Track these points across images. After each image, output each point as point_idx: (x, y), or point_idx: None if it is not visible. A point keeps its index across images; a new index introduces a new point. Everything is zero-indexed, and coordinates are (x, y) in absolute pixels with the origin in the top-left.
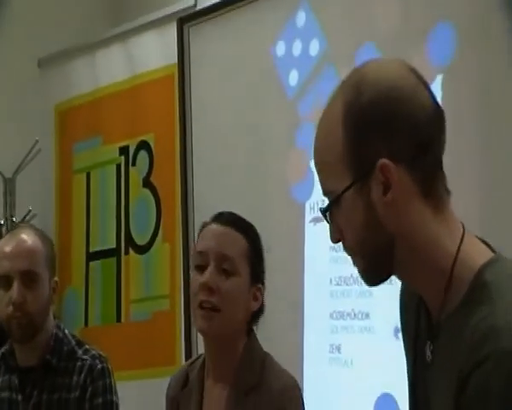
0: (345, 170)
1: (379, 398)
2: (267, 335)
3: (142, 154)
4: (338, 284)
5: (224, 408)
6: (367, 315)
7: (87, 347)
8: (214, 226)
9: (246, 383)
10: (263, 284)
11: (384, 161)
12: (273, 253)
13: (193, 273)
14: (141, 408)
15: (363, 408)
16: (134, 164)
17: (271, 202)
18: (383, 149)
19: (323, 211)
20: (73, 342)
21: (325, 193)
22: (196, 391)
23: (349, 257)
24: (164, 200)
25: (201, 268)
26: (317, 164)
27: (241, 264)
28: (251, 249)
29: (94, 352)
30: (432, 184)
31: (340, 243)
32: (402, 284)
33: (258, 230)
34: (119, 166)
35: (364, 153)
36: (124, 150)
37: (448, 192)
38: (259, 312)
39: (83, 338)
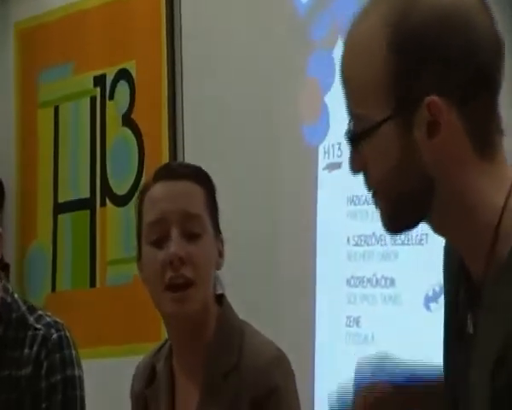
0: (384, 97)
1: None
2: (271, 305)
3: (122, 85)
4: (357, 244)
5: (199, 400)
6: (392, 282)
7: (40, 313)
8: (168, 184)
9: (224, 365)
10: (220, 232)
11: (434, 98)
12: (280, 206)
13: (147, 251)
14: (119, 391)
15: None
16: (112, 97)
17: (278, 145)
18: (433, 83)
19: (350, 137)
20: (24, 308)
21: (352, 116)
22: (165, 385)
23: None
24: (148, 141)
25: (160, 242)
26: (346, 80)
27: (206, 219)
28: (209, 198)
29: (48, 319)
30: (485, 129)
31: (360, 196)
32: (446, 241)
33: (264, 177)
34: (93, 100)
35: (411, 84)
36: (99, 80)
37: (501, 133)
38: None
39: (49, 306)
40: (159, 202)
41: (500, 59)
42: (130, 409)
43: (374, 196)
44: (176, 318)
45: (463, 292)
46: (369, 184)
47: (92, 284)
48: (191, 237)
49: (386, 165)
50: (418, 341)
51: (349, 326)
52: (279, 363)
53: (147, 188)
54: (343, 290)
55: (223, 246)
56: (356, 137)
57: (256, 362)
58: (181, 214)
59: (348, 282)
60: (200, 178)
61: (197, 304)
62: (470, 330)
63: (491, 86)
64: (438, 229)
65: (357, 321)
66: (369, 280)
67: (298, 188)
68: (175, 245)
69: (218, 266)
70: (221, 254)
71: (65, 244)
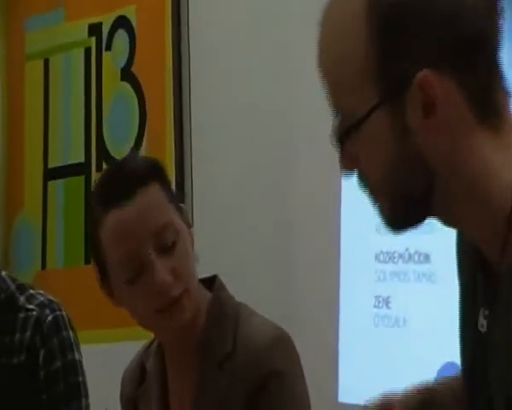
0: (368, 84)
1: (442, 369)
2: (289, 282)
3: (120, 34)
4: None
5: (194, 395)
6: (426, 257)
7: (32, 292)
8: (122, 211)
9: (218, 353)
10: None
11: (425, 73)
12: (299, 172)
13: (124, 291)
14: (117, 379)
15: (420, 381)
16: (109, 48)
17: (295, 102)
18: (422, 56)
19: (337, 135)
20: (13, 287)
21: (336, 110)
22: (156, 384)
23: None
24: (150, 97)
25: (136, 277)
26: (324, 73)
27: (174, 215)
28: (165, 187)
29: (42, 298)
30: (486, 95)
31: None
32: (457, 230)
33: (278, 140)
34: (88, 51)
35: (398, 62)
36: (95, 29)
37: (507, 94)
38: None
39: (39, 285)
40: (121, 239)
41: (494, 14)
42: None
43: (371, 196)
44: (176, 329)
45: (480, 283)
46: (364, 183)
47: (87, 260)
48: (167, 249)
49: (380, 160)
50: (455, 324)
51: (378, 307)
52: (277, 344)
53: (98, 223)
54: (371, 267)
55: (187, 215)
56: (343, 135)
57: (252, 346)
58: (152, 235)
59: (377, 257)
60: (150, 172)
61: (191, 311)
62: (483, 327)
63: (487, 48)
64: (447, 221)
65: (386, 302)
66: (400, 255)
67: (319, 148)
68: (161, 277)
69: (193, 243)
70: (189, 226)
71: (56, 215)
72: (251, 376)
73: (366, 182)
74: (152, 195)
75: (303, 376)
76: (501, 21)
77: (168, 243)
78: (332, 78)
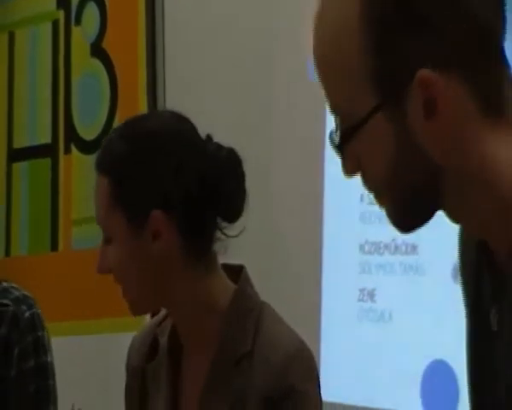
0: (366, 85)
1: (429, 366)
2: (269, 272)
3: (91, 7)
4: (372, 203)
5: (204, 386)
6: (413, 248)
7: (5, 285)
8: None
9: (236, 350)
10: (168, 204)
11: (425, 72)
12: (280, 154)
13: None
14: (88, 375)
15: (406, 380)
16: (78, 22)
17: (279, 83)
18: (423, 53)
19: (335, 138)
20: None
21: (334, 112)
22: (170, 364)
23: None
24: (122, 74)
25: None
26: (321, 72)
27: (112, 220)
28: (116, 186)
29: (17, 293)
30: (491, 89)
31: None
32: (461, 228)
33: (260, 124)
34: (56, 25)
35: (397, 60)
36: (64, 1)
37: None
38: (193, 237)
39: (2, 274)
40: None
41: (498, 6)
42: (102, 395)
43: (376, 197)
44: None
45: (486, 283)
46: (368, 185)
47: (54, 247)
48: (106, 240)
49: (382, 162)
50: (444, 319)
51: (362, 301)
52: (298, 359)
53: None
54: (355, 258)
55: (165, 222)
56: (343, 137)
57: (272, 355)
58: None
59: (361, 248)
60: (105, 163)
61: (140, 306)
62: (495, 326)
63: (492, 39)
64: (453, 215)
65: (371, 295)
66: (386, 246)
67: (302, 134)
68: (98, 261)
69: (159, 251)
70: (157, 235)
71: (21, 199)
72: (266, 389)
73: (370, 184)
74: (100, 186)
75: (319, 396)
76: (505, 11)
77: (106, 237)
78: (329, 79)
